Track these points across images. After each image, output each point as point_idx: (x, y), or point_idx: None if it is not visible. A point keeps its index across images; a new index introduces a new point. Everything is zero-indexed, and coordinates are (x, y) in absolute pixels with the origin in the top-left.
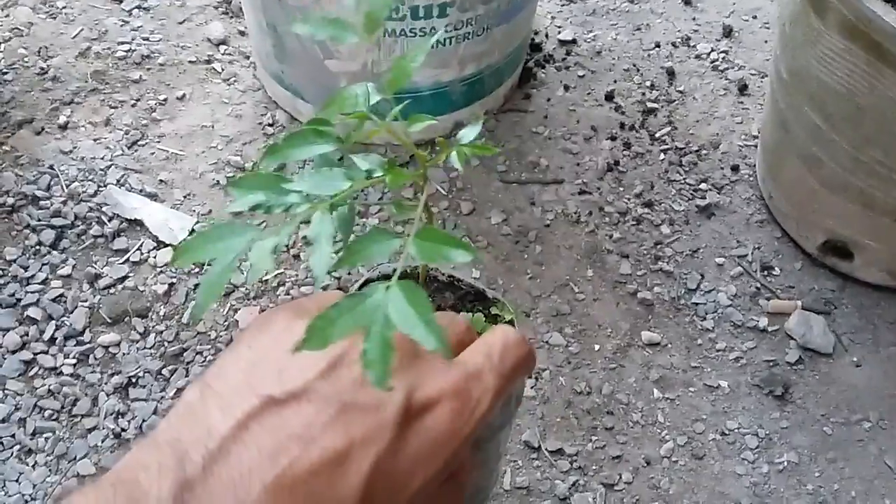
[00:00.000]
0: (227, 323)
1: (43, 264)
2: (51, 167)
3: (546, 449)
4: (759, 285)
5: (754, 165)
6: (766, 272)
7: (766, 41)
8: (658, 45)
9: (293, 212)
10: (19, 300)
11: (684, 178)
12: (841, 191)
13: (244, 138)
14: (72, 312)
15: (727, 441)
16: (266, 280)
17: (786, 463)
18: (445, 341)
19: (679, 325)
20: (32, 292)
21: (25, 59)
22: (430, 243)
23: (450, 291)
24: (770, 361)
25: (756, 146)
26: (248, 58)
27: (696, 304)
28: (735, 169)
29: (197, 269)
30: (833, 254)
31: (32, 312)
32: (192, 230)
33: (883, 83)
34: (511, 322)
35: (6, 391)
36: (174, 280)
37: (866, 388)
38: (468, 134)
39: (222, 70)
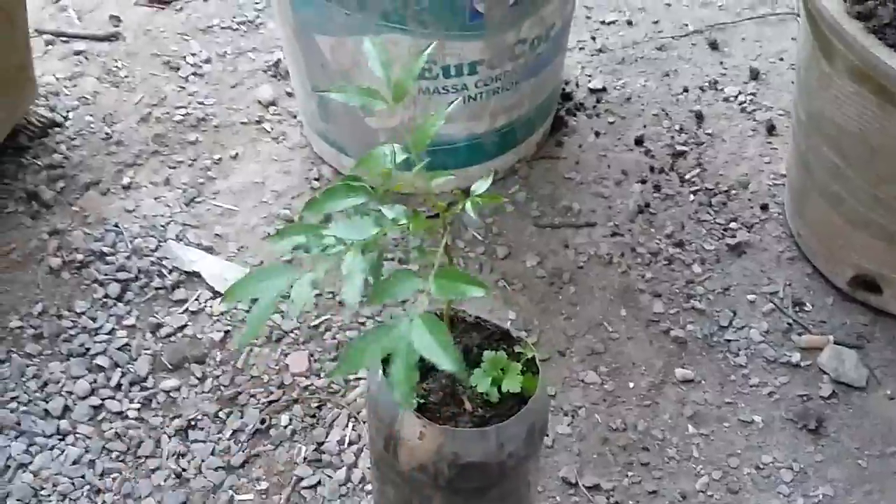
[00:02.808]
0: (277, 367)
1: (109, 315)
2: (115, 225)
3: (583, 485)
4: (790, 321)
5: (783, 204)
6: (797, 308)
7: (792, 82)
8: (686, 90)
9: (329, 252)
10: (88, 349)
11: (714, 218)
12: (864, 227)
13: (293, 192)
14: (136, 360)
15: (762, 475)
16: (314, 325)
17: (821, 496)
18: (461, 364)
19: (712, 362)
20: (100, 342)
21: (92, 126)
22: (448, 281)
23: (476, 332)
24: (803, 396)
25: (784, 185)
26: (295, 117)
27: (729, 340)
28: (764, 208)
29: None
30: (863, 288)
31: (100, 361)
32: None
33: (892, 124)
34: (533, 359)
35: (77, 435)
36: (229, 328)
37: None
38: (481, 186)
39: (272, 129)
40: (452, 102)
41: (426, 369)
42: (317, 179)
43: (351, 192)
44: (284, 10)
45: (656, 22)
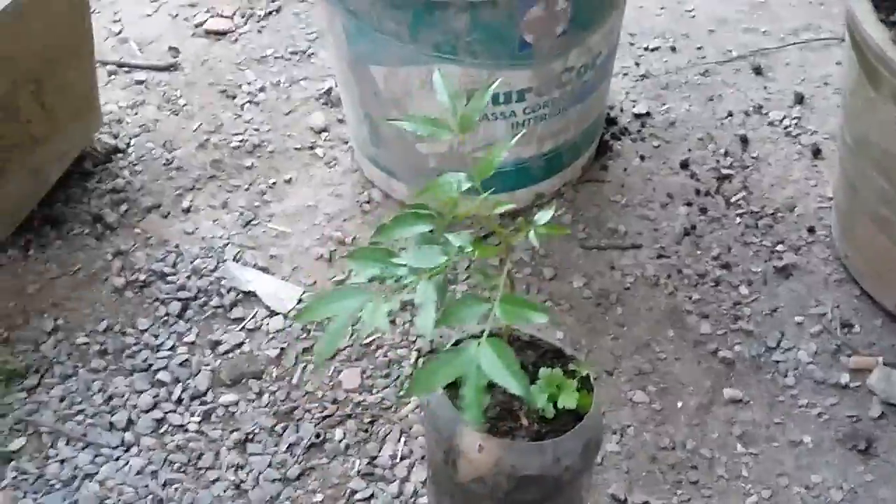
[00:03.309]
0: (331, 383)
1: (171, 333)
2: (176, 246)
3: (633, 502)
4: (839, 343)
5: (830, 227)
6: (845, 330)
7: (837, 106)
8: (731, 115)
9: (402, 282)
10: (151, 365)
11: (761, 241)
12: None
13: (344, 215)
14: (196, 375)
15: (812, 495)
16: (366, 343)
17: None
18: (528, 387)
19: (760, 383)
20: (162, 358)
21: (153, 152)
22: (513, 307)
23: (531, 350)
24: (853, 417)
25: (831, 208)
26: (346, 143)
27: (777, 361)
28: (811, 230)
29: (304, 336)
30: None
31: (162, 376)
32: (300, 300)
33: None
34: (587, 377)
35: (140, 447)
36: (285, 345)
37: None
38: (543, 217)
39: (324, 155)
40: (518, 135)
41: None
42: (367, 202)
43: (419, 219)
44: (340, 43)
45: (700, 48)
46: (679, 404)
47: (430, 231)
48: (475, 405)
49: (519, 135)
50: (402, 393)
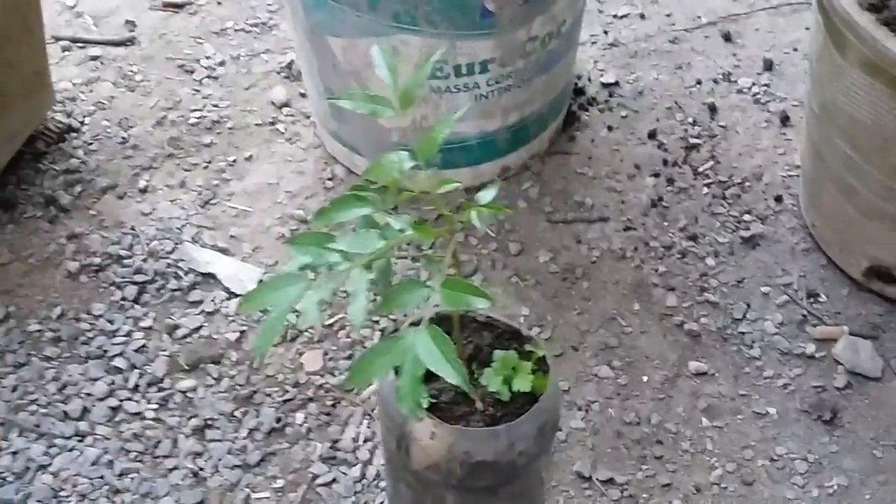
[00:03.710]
0: (293, 366)
1: (127, 318)
2: (132, 228)
3: (597, 479)
4: (805, 312)
5: (797, 195)
6: (812, 299)
7: (807, 72)
8: (699, 83)
9: (334, 270)
10: (106, 352)
11: (728, 211)
12: (878, 218)
13: (306, 193)
14: (153, 361)
15: (776, 467)
16: (328, 324)
17: (836, 487)
18: (465, 376)
19: (726, 355)
20: (117, 344)
21: (108, 130)
22: (454, 292)
23: (488, 331)
24: (818, 387)
25: (798, 176)
26: (308, 118)
27: (743, 333)
28: (779, 199)
29: (265, 317)
30: (878, 279)
31: (118, 363)
32: (261, 281)
33: None
34: (543, 358)
35: (95, 436)
36: (245, 328)
37: None
38: (485, 196)
39: (285, 130)
40: (462, 109)
41: None
42: (330, 179)
43: (358, 202)
44: (296, 13)
45: (669, 14)
46: (644, 378)
47: (379, 213)
48: (411, 396)
49: (462, 110)
50: (340, 384)
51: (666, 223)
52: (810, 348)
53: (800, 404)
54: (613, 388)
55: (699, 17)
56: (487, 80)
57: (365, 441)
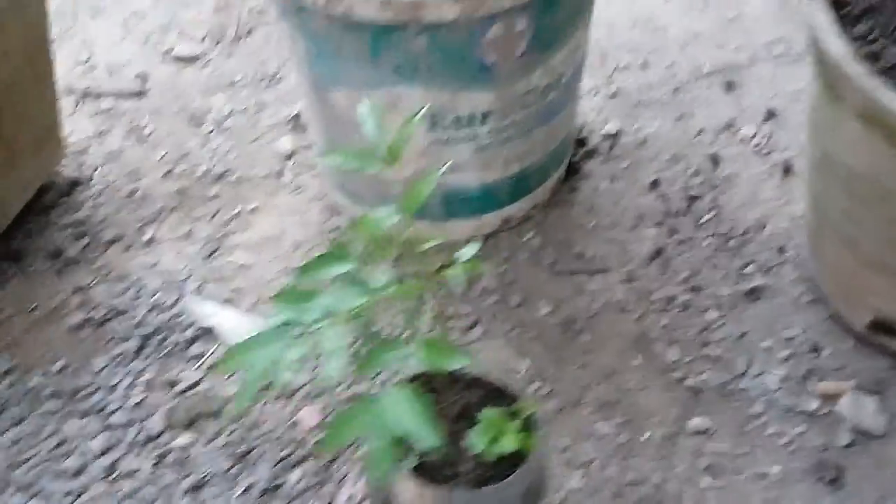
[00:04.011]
0: (291, 422)
1: (126, 372)
2: (136, 280)
3: None
4: (808, 367)
5: (800, 246)
6: (815, 353)
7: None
8: (701, 132)
9: (313, 329)
10: (105, 407)
11: (730, 262)
12: (880, 270)
13: (310, 244)
14: (151, 416)
15: None
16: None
17: None
18: (443, 438)
19: (728, 411)
20: (116, 399)
21: (116, 182)
22: (433, 351)
23: (476, 388)
24: (822, 445)
25: (801, 227)
26: (314, 169)
27: (745, 388)
28: (781, 250)
29: None
30: (882, 332)
31: (116, 418)
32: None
33: None
34: (532, 417)
35: (91, 495)
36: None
37: None
38: (466, 253)
39: (291, 182)
40: (445, 165)
41: None
42: (334, 231)
43: (339, 258)
44: (301, 66)
45: (671, 64)
46: (646, 436)
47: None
48: (378, 465)
49: (446, 166)
50: (315, 451)
51: (667, 275)
52: (813, 404)
53: (803, 464)
54: (613, 446)
55: (701, 67)
56: (488, 131)
57: (360, 501)
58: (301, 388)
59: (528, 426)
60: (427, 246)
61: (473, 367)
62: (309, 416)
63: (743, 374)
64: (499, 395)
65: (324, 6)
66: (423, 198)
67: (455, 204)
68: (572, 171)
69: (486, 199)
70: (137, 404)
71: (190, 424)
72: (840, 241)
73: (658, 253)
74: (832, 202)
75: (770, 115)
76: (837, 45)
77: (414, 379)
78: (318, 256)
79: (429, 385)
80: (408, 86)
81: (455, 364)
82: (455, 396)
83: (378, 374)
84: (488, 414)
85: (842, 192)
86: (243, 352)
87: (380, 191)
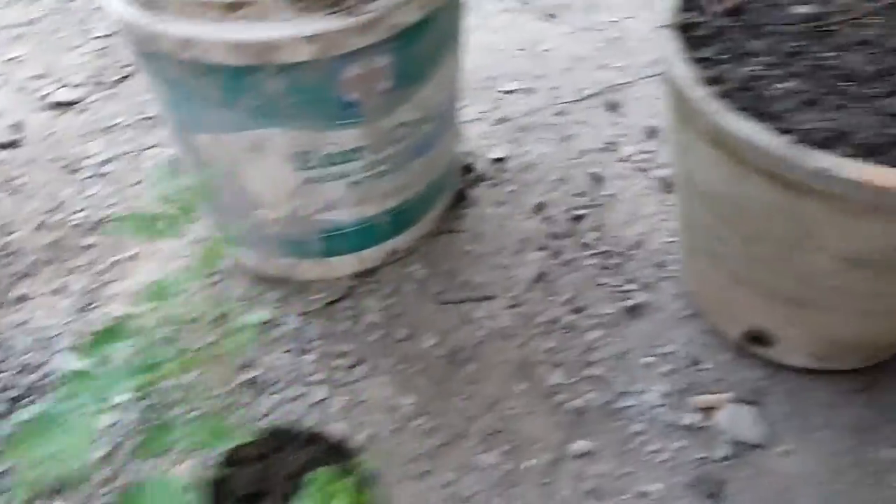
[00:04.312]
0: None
1: None
2: (4, 340)
3: None
4: (688, 382)
5: (679, 261)
6: (694, 367)
7: None
8: (585, 153)
9: (83, 411)
10: None
11: (612, 281)
12: (745, 284)
13: (192, 290)
14: (17, 487)
15: None
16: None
17: None
18: None
19: (610, 432)
20: None
21: None
22: (209, 432)
23: (314, 445)
24: (701, 459)
25: (678, 242)
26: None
27: (627, 407)
28: (660, 266)
29: (139, 428)
30: (755, 343)
31: None
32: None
33: (751, 187)
34: (370, 472)
35: None
36: (119, 439)
37: (800, 477)
38: (252, 318)
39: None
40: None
41: (252, 495)
42: (216, 273)
43: (124, 334)
44: (165, 111)
45: (556, 87)
46: (530, 463)
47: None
48: None
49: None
50: None
51: (551, 297)
52: (693, 418)
53: (684, 479)
54: (497, 477)
55: (585, 89)
56: (361, 166)
57: None
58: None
59: (367, 483)
60: (255, 320)
61: (314, 425)
62: (188, 468)
63: (624, 393)
64: (337, 452)
65: (174, 52)
66: (218, 259)
67: (336, 240)
68: (459, 198)
69: (367, 234)
70: (2, 473)
71: (58, 492)
72: (708, 257)
73: (542, 276)
74: (697, 220)
75: (651, 132)
76: (682, 70)
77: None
78: (104, 331)
79: (269, 443)
80: (270, 127)
81: (234, 442)
82: (293, 454)
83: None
84: (318, 475)
85: (705, 211)
86: (32, 437)
87: (257, 232)
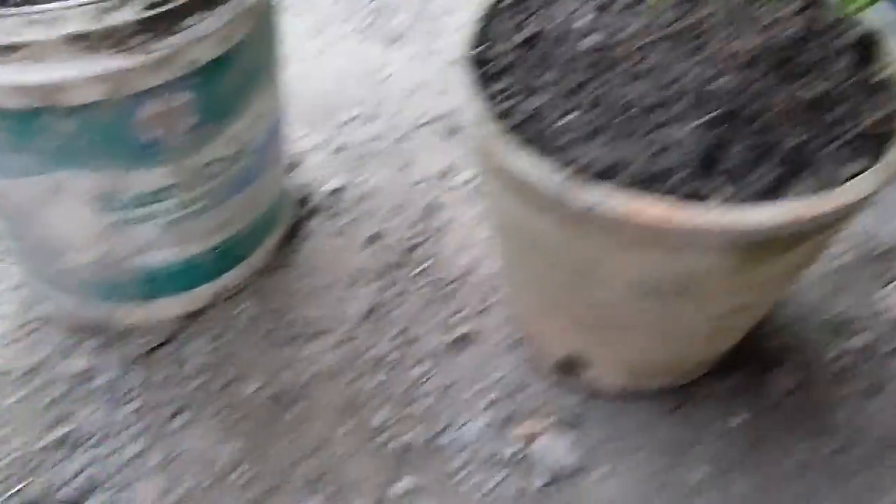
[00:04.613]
0: None
1: None
2: None
3: None
4: (509, 412)
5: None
6: (515, 396)
7: None
8: (422, 180)
9: None
10: None
11: (441, 311)
12: (553, 311)
13: (6, 339)
14: None
15: None
16: None
17: None
18: None
19: (433, 468)
20: None
21: None
22: None
23: None
24: (519, 490)
25: None
26: (12, 255)
27: (450, 442)
28: (490, 292)
29: None
30: (574, 368)
31: None
32: None
33: (538, 221)
34: None
35: None
36: None
37: (615, 501)
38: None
39: None
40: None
41: None
42: (35, 321)
43: None
44: None
45: (396, 114)
46: None
47: None
48: None
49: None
50: None
51: (381, 331)
52: (514, 448)
53: None
54: None
55: (425, 115)
56: (174, 206)
57: None
58: None
59: None
60: None
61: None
62: None
63: (449, 426)
64: None
65: None
66: None
67: (158, 282)
68: (294, 231)
69: (192, 273)
70: None
71: None
72: (519, 286)
73: (374, 309)
74: (507, 249)
75: None
76: (473, 104)
77: None
78: None
79: None
80: (68, 170)
81: None
82: None
83: None
84: None
85: (505, 239)
86: None
87: (74, 278)
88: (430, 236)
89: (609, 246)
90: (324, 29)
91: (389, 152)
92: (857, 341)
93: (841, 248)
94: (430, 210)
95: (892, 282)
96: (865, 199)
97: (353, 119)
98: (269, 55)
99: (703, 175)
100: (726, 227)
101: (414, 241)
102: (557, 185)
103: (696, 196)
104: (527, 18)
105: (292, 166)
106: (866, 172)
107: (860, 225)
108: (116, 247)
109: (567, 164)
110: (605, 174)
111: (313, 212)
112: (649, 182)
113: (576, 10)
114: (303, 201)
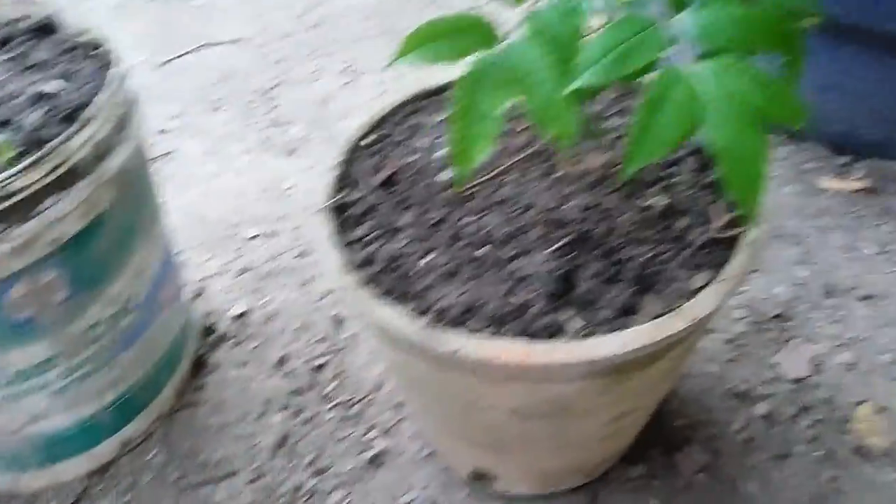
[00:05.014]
0: None
1: None
2: None
3: None
4: None
5: None
6: None
7: None
8: (326, 294)
9: None
10: None
11: (353, 431)
12: (449, 432)
13: None
14: None
15: None
16: None
17: None
18: None
19: None
20: None
21: None
22: None
23: None
24: None
25: None
26: None
27: None
28: (400, 406)
29: None
30: (482, 479)
31: None
32: None
33: (409, 362)
34: None
35: None
36: None
37: None
38: None
39: None
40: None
41: None
42: None
43: None
44: None
45: (297, 227)
46: None
47: None
48: None
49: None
50: None
51: (294, 462)
52: None
53: None
54: None
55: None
56: (58, 375)
57: None
58: None
59: None
60: None
61: None
62: None
63: None
64: None
65: None
66: None
67: (58, 446)
68: (199, 365)
69: (91, 432)
70: None
71: None
72: (418, 412)
73: (284, 440)
74: (398, 381)
75: None
76: (333, 256)
77: None
78: None
79: None
80: None
81: None
82: None
83: None
84: None
85: (398, 375)
86: None
87: None
88: (337, 353)
89: (481, 382)
90: (219, 149)
91: (293, 268)
92: (761, 408)
93: (735, 315)
94: (335, 324)
95: (787, 343)
96: (714, 311)
97: (254, 238)
98: (143, 211)
99: (556, 306)
100: (581, 359)
101: (321, 360)
102: (418, 334)
103: (553, 328)
104: (387, 157)
105: (196, 295)
106: (711, 286)
107: (752, 289)
108: (6, 421)
109: (425, 310)
110: (463, 317)
111: (219, 341)
112: (505, 320)
113: (436, 140)
114: (207, 331)
